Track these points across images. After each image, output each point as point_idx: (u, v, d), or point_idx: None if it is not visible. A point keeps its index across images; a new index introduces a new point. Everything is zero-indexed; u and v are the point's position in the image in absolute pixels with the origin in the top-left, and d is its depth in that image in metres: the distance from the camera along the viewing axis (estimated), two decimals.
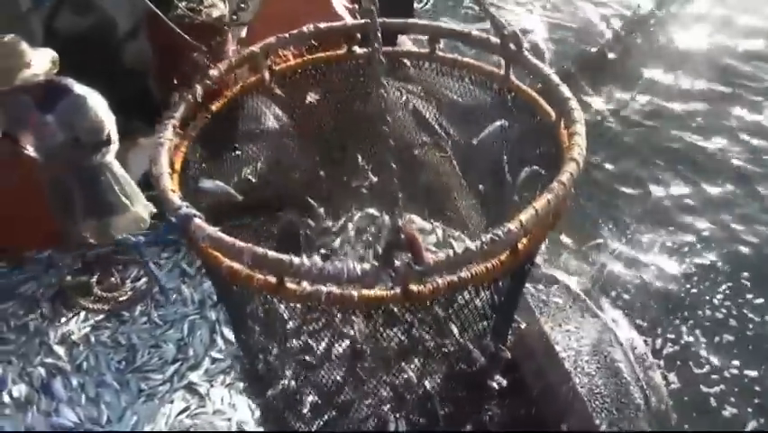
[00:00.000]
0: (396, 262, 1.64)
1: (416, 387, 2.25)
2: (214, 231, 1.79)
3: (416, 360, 2.17)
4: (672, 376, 3.66)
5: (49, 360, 3.15)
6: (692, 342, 3.93)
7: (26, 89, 2.80)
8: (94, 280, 3.44)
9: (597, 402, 2.64)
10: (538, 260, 3.62)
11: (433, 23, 2.61)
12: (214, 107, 2.42)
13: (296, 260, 1.68)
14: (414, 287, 1.73)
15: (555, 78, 2.25)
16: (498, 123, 2.59)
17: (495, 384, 2.43)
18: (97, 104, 2.90)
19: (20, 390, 3.02)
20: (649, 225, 4.80)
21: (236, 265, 1.80)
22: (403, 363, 2.14)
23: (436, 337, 2.14)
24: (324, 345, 2.20)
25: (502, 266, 1.83)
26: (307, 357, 2.21)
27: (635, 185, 5.19)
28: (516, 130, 2.55)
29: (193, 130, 2.34)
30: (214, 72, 2.35)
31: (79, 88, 2.88)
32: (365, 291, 1.73)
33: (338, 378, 2.24)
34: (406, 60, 2.74)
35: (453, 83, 2.67)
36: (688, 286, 4.30)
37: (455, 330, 2.15)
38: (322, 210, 3.09)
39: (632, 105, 6.13)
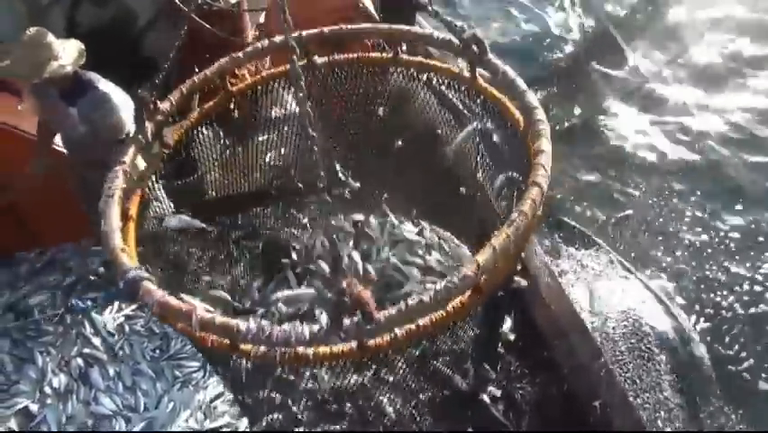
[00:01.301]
0: (345, 321, 1.57)
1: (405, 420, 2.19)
2: (162, 296, 1.73)
3: (396, 399, 2.10)
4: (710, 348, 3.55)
5: (86, 350, 3.26)
6: (729, 316, 3.82)
7: (54, 81, 2.81)
8: None
9: (630, 372, 2.66)
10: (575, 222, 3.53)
11: (392, 26, 2.45)
12: (171, 139, 2.34)
13: (242, 325, 1.61)
14: (371, 341, 1.67)
15: (521, 84, 2.10)
16: (470, 127, 2.46)
17: (486, 398, 2.37)
18: (120, 102, 2.89)
19: (59, 380, 3.14)
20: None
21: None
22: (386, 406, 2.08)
23: (415, 375, 2.06)
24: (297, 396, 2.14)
25: (464, 307, 1.74)
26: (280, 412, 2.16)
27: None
28: (489, 133, 2.41)
29: (150, 168, 2.26)
30: (165, 106, 2.26)
31: (104, 85, 2.89)
32: (321, 349, 1.67)
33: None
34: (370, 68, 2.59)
35: (420, 88, 2.53)
36: (723, 257, 4.15)
37: (434, 364, 2.08)
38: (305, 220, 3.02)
39: None
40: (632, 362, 2.90)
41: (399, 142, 2.84)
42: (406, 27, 2.45)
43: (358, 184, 3.00)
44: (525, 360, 2.62)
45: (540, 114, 1.99)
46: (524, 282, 2.06)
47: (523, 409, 2.49)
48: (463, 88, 2.41)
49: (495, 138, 2.38)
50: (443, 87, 2.49)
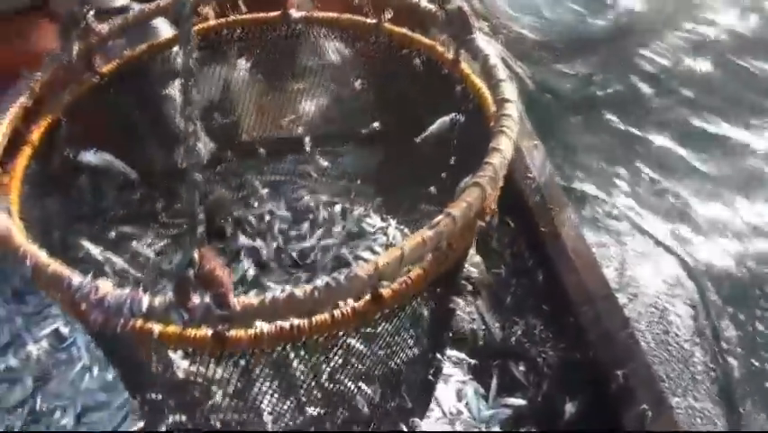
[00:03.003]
0: (196, 298, 1.27)
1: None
2: (6, 227, 1.46)
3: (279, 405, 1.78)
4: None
5: None
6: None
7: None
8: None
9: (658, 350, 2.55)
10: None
11: None
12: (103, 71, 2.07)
13: (74, 280, 1.32)
14: (232, 333, 1.37)
15: (500, 73, 1.77)
16: (445, 117, 2.13)
17: None
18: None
19: None
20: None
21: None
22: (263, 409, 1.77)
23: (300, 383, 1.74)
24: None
25: (355, 317, 1.42)
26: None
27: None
28: (465, 127, 2.09)
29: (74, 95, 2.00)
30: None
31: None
32: (170, 328, 1.37)
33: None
34: (351, 33, 2.29)
35: (400, 65, 2.21)
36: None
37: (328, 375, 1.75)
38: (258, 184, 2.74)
39: None
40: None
41: (375, 125, 2.54)
42: None
43: (326, 163, 2.72)
44: (550, 324, 2.52)
45: (510, 108, 1.66)
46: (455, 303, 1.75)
47: (544, 373, 2.38)
48: (445, 71, 2.08)
49: (470, 134, 2.06)
50: (424, 68, 2.17)
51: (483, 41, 1.87)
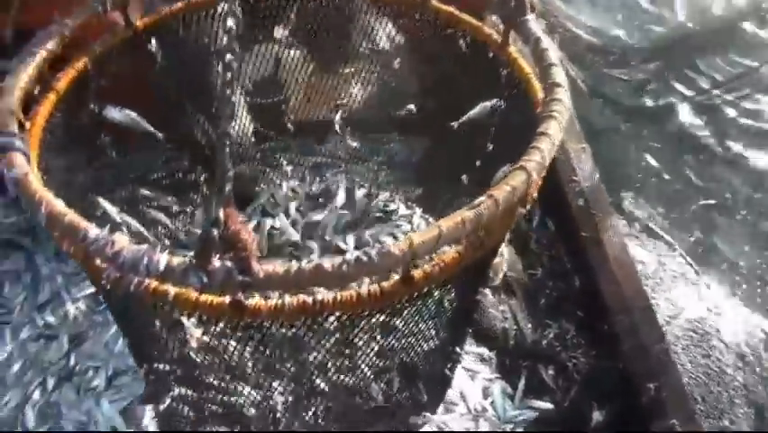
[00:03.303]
0: (216, 262, 1.18)
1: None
2: (23, 173, 1.38)
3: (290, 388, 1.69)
4: None
5: None
6: None
7: None
8: None
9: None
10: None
11: None
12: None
13: (91, 231, 1.24)
14: (251, 302, 1.29)
15: (551, 56, 1.67)
16: (487, 103, 2.04)
17: None
18: None
19: None
20: None
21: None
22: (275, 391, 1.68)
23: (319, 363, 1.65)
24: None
25: (383, 297, 1.33)
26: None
27: None
28: (509, 115, 1.99)
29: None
30: None
31: None
32: (184, 291, 1.29)
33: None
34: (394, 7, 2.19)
35: (444, 46, 2.11)
36: None
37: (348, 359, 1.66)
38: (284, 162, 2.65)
39: None
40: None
41: (412, 107, 2.44)
42: None
43: (356, 144, 2.64)
44: (583, 330, 2.48)
45: (561, 93, 1.56)
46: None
47: (573, 378, 2.34)
48: (491, 54, 1.99)
49: (512, 122, 1.96)
50: (469, 50, 2.07)
51: (536, 24, 1.77)
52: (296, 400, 1.68)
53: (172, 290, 1.29)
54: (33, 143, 1.62)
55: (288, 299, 1.29)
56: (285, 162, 2.73)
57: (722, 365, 2.58)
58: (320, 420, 1.76)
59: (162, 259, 1.19)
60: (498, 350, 2.44)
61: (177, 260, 1.19)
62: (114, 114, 1.99)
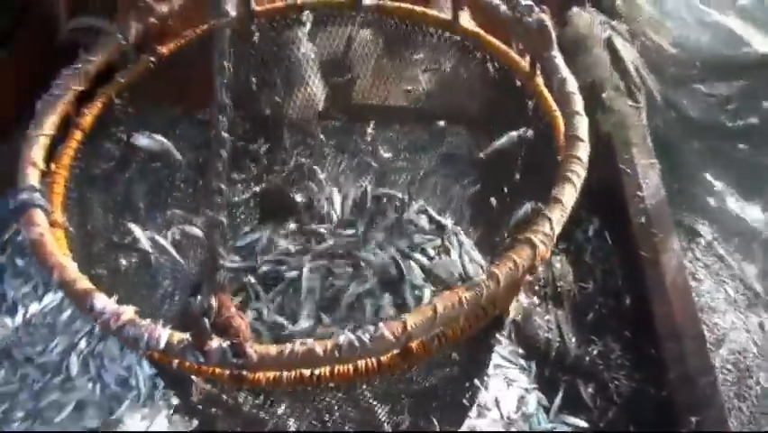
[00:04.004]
0: (212, 340, 1.21)
1: None
2: (40, 234, 1.43)
3: None
4: None
5: None
6: None
7: None
8: None
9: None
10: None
11: None
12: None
13: (98, 303, 1.29)
14: (247, 373, 1.31)
15: (575, 102, 1.59)
16: (513, 134, 1.96)
17: None
18: None
19: None
20: None
21: None
22: None
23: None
24: None
25: (379, 369, 1.34)
26: None
27: None
28: (534, 148, 1.92)
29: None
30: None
31: None
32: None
33: None
34: (423, 28, 2.11)
35: (472, 69, 2.04)
36: None
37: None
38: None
39: None
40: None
41: (441, 123, 2.39)
42: None
43: (389, 155, 2.61)
44: (629, 352, 2.43)
45: (581, 150, 1.49)
46: None
47: (613, 400, 2.31)
48: (519, 83, 1.90)
49: (537, 153, 1.89)
50: (497, 75, 1.99)
51: (562, 63, 1.68)
52: None
53: (175, 360, 1.33)
54: (59, 184, 1.68)
55: (285, 373, 1.31)
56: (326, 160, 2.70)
57: (758, 409, 2.47)
58: None
59: (162, 337, 1.23)
60: (539, 360, 2.42)
61: (176, 338, 1.23)
62: (143, 141, 2.02)
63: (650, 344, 2.34)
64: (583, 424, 2.25)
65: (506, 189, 2.07)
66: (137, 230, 2.02)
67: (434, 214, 2.59)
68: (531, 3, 1.68)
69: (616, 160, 2.80)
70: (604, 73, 2.89)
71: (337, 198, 2.65)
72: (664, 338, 2.31)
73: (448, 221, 2.57)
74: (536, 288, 2.59)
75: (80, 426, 2.21)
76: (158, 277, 2.09)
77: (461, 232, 2.54)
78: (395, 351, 1.32)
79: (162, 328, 1.24)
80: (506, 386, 2.35)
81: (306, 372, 1.31)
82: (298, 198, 2.62)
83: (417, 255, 2.44)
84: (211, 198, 1.18)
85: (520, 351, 2.45)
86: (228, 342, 1.18)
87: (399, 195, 2.65)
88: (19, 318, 2.49)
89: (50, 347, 2.40)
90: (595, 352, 2.44)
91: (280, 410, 1.57)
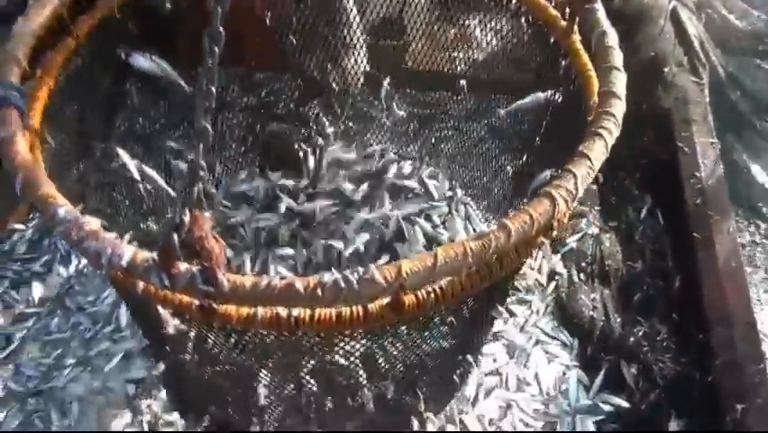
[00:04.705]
0: (182, 264, 1.07)
1: None
2: (10, 132, 1.29)
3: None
4: None
5: None
6: None
7: None
8: None
9: None
10: None
11: None
12: None
13: (61, 211, 1.15)
14: (222, 308, 1.18)
15: (614, 57, 1.43)
16: (539, 95, 1.81)
17: None
18: None
19: None
20: None
21: None
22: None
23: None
24: None
25: (367, 320, 1.19)
26: None
27: None
28: (558, 106, 1.78)
29: None
30: None
31: None
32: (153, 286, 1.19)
33: None
34: None
35: (504, 22, 1.88)
36: None
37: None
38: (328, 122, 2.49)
39: None
40: None
41: (462, 82, 2.24)
42: None
43: (402, 113, 2.46)
44: (676, 335, 2.37)
45: (616, 106, 1.33)
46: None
47: (656, 382, 2.25)
48: (552, 41, 1.75)
49: (565, 117, 1.74)
50: (531, 30, 1.84)
51: (603, 16, 1.52)
52: (279, 397, 1.60)
53: (140, 283, 1.19)
54: (43, 91, 1.54)
55: (260, 310, 1.17)
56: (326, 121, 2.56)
57: None
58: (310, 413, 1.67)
59: (125, 254, 1.10)
60: (582, 338, 2.37)
61: (140, 256, 1.10)
62: (141, 62, 1.87)
63: (698, 328, 2.27)
64: (624, 404, 2.19)
65: (528, 158, 1.92)
66: (124, 155, 1.89)
67: (444, 180, 2.46)
68: None
69: (674, 137, 2.73)
70: (667, 47, 2.78)
71: (344, 156, 2.52)
72: (713, 323, 2.23)
73: (458, 190, 2.43)
74: (583, 264, 2.54)
75: (127, 376, 2.23)
76: (140, 204, 1.97)
77: (470, 202, 2.40)
78: (385, 300, 1.17)
79: (127, 245, 1.11)
80: (546, 361, 2.33)
81: (284, 312, 1.17)
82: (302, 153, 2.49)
83: (421, 221, 2.30)
84: (198, 102, 1.04)
85: (563, 328, 2.42)
86: (199, 266, 1.04)
87: (413, 156, 2.51)
88: (72, 269, 2.54)
89: (101, 298, 2.44)
90: (640, 333, 2.38)
91: (251, 359, 1.43)
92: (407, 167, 2.52)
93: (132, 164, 1.89)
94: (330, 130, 2.50)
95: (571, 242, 2.60)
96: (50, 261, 2.55)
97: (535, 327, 2.40)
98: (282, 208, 2.35)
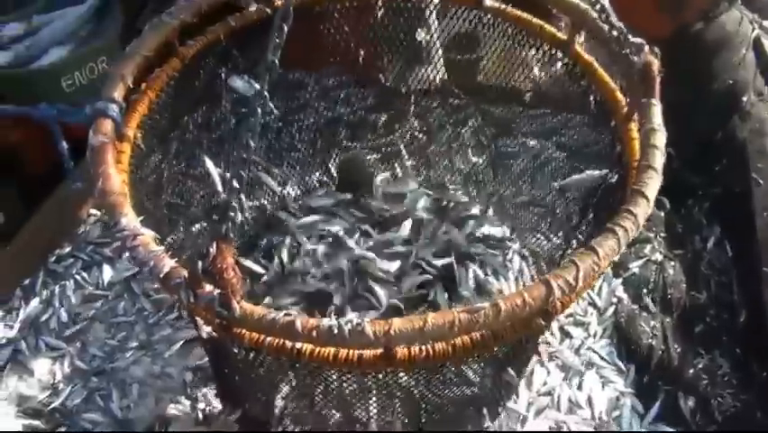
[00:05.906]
0: (208, 285, 1.25)
1: None
2: (101, 141, 1.52)
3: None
4: None
5: None
6: None
7: None
8: None
9: None
10: None
11: None
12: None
13: (123, 220, 1.36)
14: (238, 330, 1.34)
15: (656, 158, 1.46)
16: (595, 173, 1.85)
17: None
18: None
19: None
20: None
21: None
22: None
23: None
24: None
25: (361, 364, 1.31)
26: None
27: None
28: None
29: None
30: None
31: None
32: None
33: None
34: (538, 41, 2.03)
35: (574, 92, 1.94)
36: None
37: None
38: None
39: None
40: None
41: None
42: None
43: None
44: (738, 371, 2.32)
45: (639, 204, 1.36)
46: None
47: (714, 418, 2.21)
48: (613, 123, 1.78)
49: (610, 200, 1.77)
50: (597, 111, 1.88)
51: (659, 111, 1.55)
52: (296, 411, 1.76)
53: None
54: (143, 104, 1.77)
55: (269, 338, 1.32)
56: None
57: None
58: None
59: (166, 266, 1.28)
60: (639, 365, 2.35)
61: (176, 273, 1.28)
62: (239, 83, 2.08)
63: (762, 365, 2.23)
64: None
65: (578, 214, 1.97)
66: (209, 163, 2.10)
67: (505, 229, 2.52)
68: (642, 42, 1.55)
69: (748, 168, 2.65)
70: (747, 75, 2.72)
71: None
72: None
73: (516, 241, 2.49)
74: (644, 290, 2.53)
75: (186, 363, 2.33)
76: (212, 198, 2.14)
77: (527, 255, 2.45)
78: (376, 350, 1.29)
79: (170, 260, 1.30)
80: (600, 386, 2.31)
81: (288, 343, 1.32)
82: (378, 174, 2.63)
83: (474, 267, 2.37)
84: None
85: (620, 354, 2.39)
86: (218, 291, 1.21)
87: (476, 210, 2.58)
88: None
89: None
90: (700, 365, 2.33)
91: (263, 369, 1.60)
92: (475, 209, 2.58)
93: (215, 171, 2.11)
94: (408, 162, 2.64)
95: (634, 267, 2.58)
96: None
97: (591, 351, 2.40)
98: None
